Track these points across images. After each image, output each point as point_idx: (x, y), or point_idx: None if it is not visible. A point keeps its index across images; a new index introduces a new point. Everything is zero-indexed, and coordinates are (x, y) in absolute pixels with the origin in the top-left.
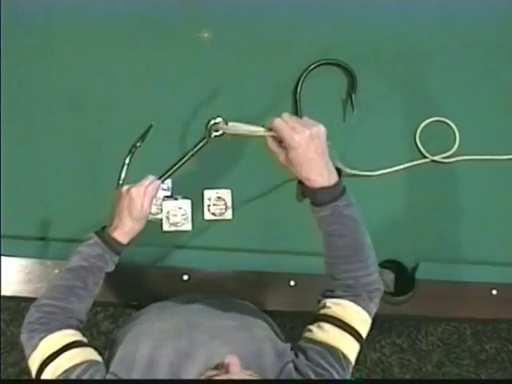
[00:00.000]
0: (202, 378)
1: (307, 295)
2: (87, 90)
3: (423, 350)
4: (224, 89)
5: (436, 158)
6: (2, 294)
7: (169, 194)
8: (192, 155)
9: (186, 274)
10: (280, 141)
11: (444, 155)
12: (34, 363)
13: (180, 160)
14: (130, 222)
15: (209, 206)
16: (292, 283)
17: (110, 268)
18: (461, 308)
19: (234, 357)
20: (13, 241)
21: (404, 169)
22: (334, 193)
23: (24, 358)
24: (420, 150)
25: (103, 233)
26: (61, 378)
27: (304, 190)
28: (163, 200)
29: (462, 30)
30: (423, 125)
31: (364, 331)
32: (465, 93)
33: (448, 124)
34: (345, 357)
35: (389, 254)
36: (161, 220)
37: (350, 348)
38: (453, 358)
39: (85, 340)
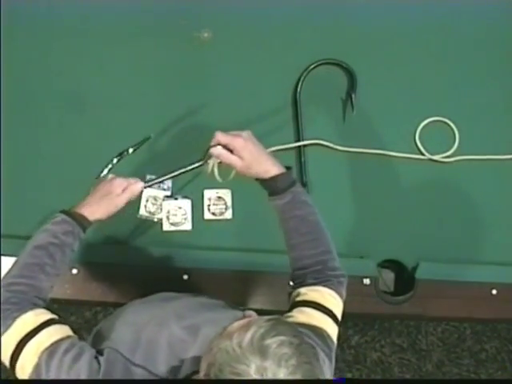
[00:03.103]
0: (225, 332)
1: None
2: (87, 90)
3: (423, 349)
4: (224, 89)
5: (436, 157)
6: None
7: (169, 193)
8: (182, 173)
9: (185, 274)
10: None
11: (444, 155)
12: (8, 343)
13: (170, 173)
14: (95, 205)
15: (209, 205)
16: (292, 283)
17: (76, 246)
18: (461, 308)
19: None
20: (13, 241)
21: (403, 168)
22: (291, 178)
23: None
24: (420, 150)
25: (69, 211)
26: (46, 352)
27: (265, 183)
28: (163, 200)
29: (461, 29)
30: (423, 125)
31: (339, 315)
32: (465, 93)
33: (448, 124)
34: (329, 337)
35: (389, 254)
36: (161, 220)
37: (332, 330)
38: (453, 357)
39: (58, 318)
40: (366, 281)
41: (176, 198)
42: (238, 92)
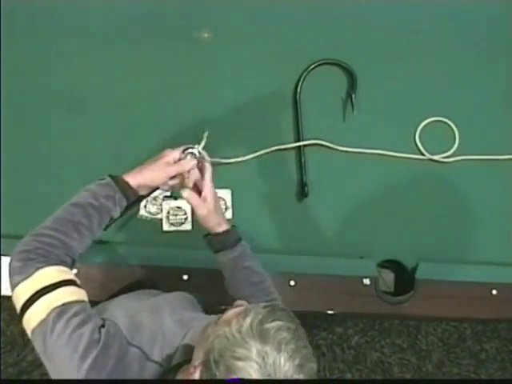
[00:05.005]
0: (220, 320)
1: (307, 295)
2: (87, 90)
3: (423, 349)
4: (224, 89)
5: (436, 157)
6: (2, 293)
7: (169, 193)
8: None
9: (185, 274)
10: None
11: (444, 155)
12: (23, 291)
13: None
14: (143, 171)
15: None
16: (292, 283)
17: (116, 213)
18: (461, 308)
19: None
20: (13, 241)
21: (404, 169)
22: (238, 232)
23: (24, 358)
24: (420, 150)
25: (116, 176)
26: (57, 310)
27: (217, 238)
28: (163, 200)
29: (462, 29)
30: (423, 125)
31: None
32: (465, 93)
33: (448, 124)
34: None
35: (389, 254)
36: (161, 220)
37: None
38: (453, 357)
39: (79, 282)
40: (366, 281)
41: (176, 198)
42: (238, 92)
